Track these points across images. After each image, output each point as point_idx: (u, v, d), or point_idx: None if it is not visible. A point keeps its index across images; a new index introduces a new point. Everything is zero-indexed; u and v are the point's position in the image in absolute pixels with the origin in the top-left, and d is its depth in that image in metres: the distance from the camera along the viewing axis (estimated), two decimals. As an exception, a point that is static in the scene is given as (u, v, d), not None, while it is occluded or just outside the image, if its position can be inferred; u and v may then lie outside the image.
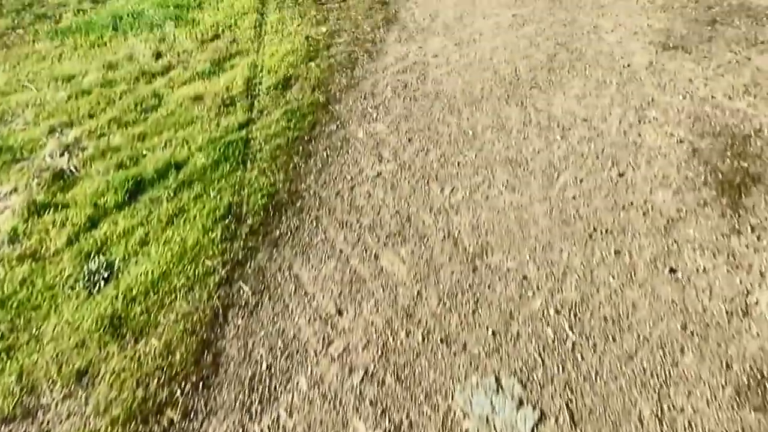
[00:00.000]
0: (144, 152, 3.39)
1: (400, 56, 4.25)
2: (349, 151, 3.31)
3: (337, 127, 3.52)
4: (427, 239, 2.68)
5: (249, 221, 2.84)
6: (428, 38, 4.48)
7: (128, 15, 5.14)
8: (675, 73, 3.72)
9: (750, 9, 4.44)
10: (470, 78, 3.90)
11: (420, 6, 5.08)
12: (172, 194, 3.02)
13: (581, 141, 3.21)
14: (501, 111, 3.53)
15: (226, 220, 2.83)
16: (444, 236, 2.69)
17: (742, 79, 3.60)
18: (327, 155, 3.29)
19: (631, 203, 2.77)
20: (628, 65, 3.86)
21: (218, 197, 2.98)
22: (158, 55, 4.50)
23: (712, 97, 3.45)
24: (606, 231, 2.63)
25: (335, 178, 3.11)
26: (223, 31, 4.83)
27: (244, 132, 3.51)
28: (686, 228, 2.60)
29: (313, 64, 4.20)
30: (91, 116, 3.75)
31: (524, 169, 3.05)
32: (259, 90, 3.93)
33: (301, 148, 3.35)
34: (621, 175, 2.95)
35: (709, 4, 4.60)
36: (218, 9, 5.26)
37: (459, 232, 2.70)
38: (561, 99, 3.59)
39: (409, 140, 3.36)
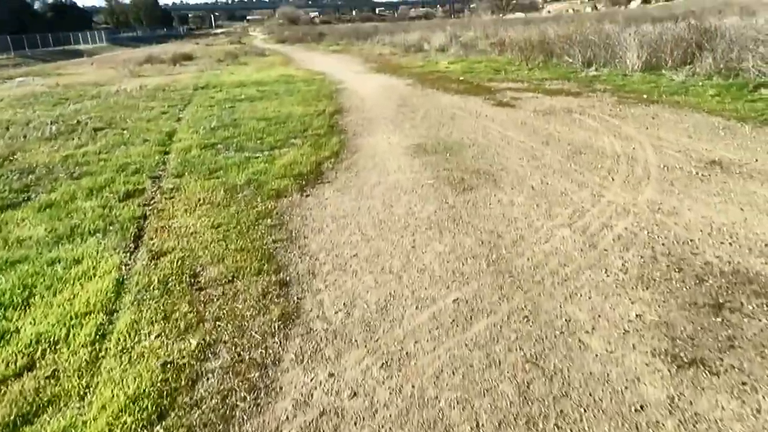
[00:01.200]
0: None
1: (302, 398, 2.80)
2: None
3: None
4: None
5: None
6: (343, 353, 3.12)
7: None
8: (718, 424, 2.46)
9: (751, 281, 3.48)
10: (410, 451, 2.45)
11: (330, 286, 3.83)
12: None
13: None
14: None
15: None
16: None
17: (823, 438, 2.37)
18: None
19: None
20: (641, 407, 2.58)
21: None
22: None
23: (802, 489, 2.16)
24: None
25: None
26: (43, 352, 3.28)
27: None
28: None
29: (161, 430, 2.65)
30: None
31: None
32: None
33: None
34: None
35: (696, 272, 3.63)
36: (51, 306, 3.77)
37: None
38: (563, 501, 2.17)
39: None
